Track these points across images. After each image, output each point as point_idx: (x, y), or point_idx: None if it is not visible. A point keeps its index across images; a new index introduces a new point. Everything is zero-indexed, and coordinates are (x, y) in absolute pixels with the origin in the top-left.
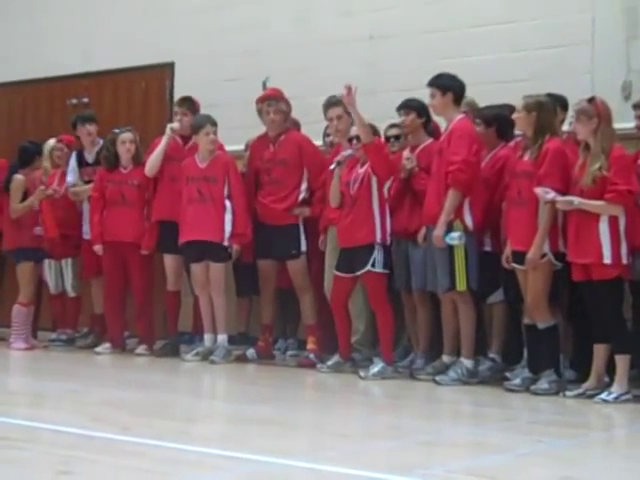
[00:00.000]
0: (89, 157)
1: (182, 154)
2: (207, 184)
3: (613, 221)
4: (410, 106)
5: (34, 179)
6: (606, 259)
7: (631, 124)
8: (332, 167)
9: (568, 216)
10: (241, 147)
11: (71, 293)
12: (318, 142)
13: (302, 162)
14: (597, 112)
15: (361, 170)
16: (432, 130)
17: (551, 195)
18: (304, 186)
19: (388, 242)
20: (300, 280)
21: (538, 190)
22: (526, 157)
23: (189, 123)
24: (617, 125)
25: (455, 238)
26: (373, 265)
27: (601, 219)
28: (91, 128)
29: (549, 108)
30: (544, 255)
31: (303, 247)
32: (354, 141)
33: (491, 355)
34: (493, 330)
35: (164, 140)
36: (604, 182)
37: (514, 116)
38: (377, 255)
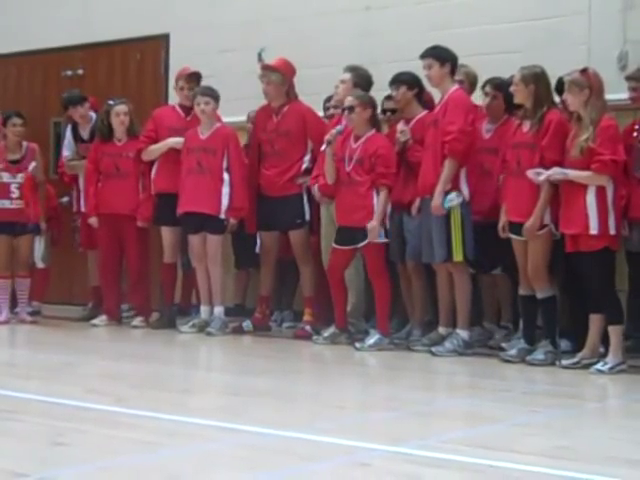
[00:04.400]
0: (84, 134)
1: (184, 125)
2: (206, 155)
3: (600, 192)
4: (399, 80)
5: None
6: (592, 230)
7: (627, 95)
8: (323, 147)
9: (560, 187)
10: (237, 119)
11: (39, 264)
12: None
13: (306, 133)
14: (589, 83)
15: (355, 145)
16: (426, 101)
17: (543, 177)
18: (308, 157)
19: (388, 225)
20: (301, 251)
21: (529, 173)
22: (525, 128)
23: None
24: (613, 96)
25: (453, 199)
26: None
27: (588, 190)
28: (82, 110)
29: (546, 79)
30: (545, 225)
31: (307, 216)
32: (346, 112)
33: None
34: (502, 300)
35: (170, 143)
36: (591, 153)
37: (512, 88)
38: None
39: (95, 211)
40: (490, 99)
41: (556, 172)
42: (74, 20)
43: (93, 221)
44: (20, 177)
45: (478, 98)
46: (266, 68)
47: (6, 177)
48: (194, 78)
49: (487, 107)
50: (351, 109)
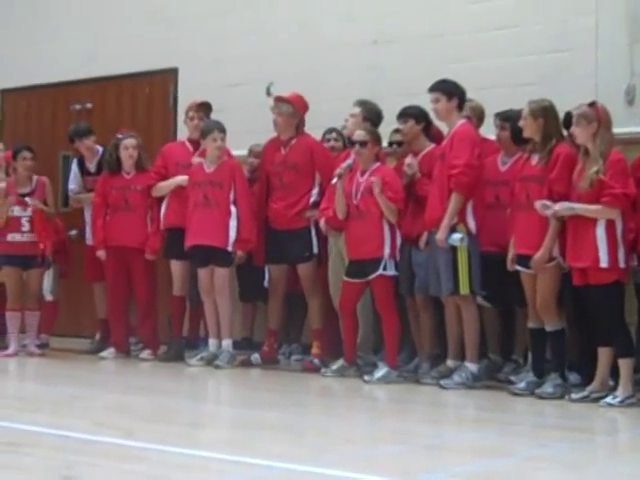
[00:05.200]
0: (90, 167)
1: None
2: (213, 189)
3: (610, 225)
4: (408, 113)
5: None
6: (603, 263)
7: (635, 128)
8: (334, 181)
9: (567, 220)
10: (245, 152)
11: (48, 297)
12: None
13: (314, 166)
14: (597, 117)
15: (362, 179)
16: (434, 135)
17: (551, 211)
18: (316, 190)
19: (397, 257)
20: (310, 284)
21: (537, 205)
22: (534, 162)
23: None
24: (620, 129)
25: (457, 240)
26: (385, 269)
27: (598, 223)
28: (89, 142)
29: (554, 113)
30: (553, 258)
31: (315, 249)
32: (357, 146)
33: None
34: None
35: (178, 181)
36: (601, 186)
37: (520, 123)
38: (387, 260)
39: (103, 244)
40: (499, 131)
41: (564, 207)
42: (83, 54)
43: (101, 254)
44: (30, 210)
45: (487, 131)
46: (279, 100)
47: (17, 210)
48: (204, 108)
49: (498, 140)
50: (364, 144)
